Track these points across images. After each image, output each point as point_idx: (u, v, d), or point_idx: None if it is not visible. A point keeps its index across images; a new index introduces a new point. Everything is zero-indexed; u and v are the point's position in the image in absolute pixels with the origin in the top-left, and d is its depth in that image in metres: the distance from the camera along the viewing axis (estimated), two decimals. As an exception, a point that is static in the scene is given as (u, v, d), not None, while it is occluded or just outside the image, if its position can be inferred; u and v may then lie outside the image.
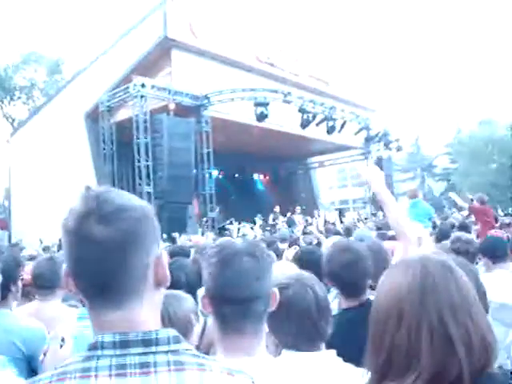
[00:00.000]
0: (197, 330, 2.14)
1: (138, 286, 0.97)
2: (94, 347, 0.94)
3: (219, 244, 1.48)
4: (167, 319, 1.92)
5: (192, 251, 5.73)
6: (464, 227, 6.89)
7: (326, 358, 1.73)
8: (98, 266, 0.94)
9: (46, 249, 9.84)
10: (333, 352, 1.76)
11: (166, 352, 0.95)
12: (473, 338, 1.03)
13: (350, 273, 2.37)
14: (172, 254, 4.74)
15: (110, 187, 1.03)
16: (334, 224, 10.78)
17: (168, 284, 1.05)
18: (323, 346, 1.77)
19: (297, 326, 1.73)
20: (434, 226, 8.22)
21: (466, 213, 10.32)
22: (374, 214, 17.79)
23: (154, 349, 0.94)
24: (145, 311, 0.98)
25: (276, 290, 1.47)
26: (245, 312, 1.38)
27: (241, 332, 1.38)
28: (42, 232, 14.00)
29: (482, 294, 1.74)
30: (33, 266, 3.18)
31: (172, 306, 2.00)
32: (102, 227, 0.93)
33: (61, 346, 1.31)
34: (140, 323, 0.97)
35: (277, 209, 17.82)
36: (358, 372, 1.47)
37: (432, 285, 1.08)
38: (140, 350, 0.93)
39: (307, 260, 3.47)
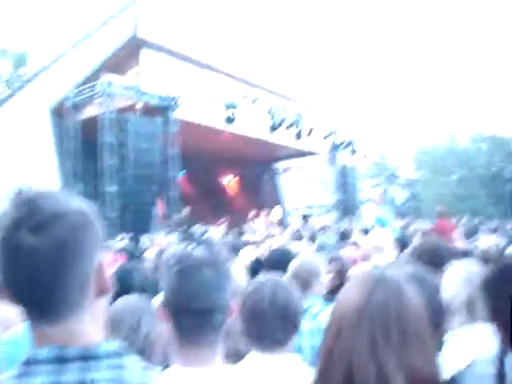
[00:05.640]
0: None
1: (77, 297, 0.91)
2: (27, 362, 0.88)
3: (179, 253, 1.44)
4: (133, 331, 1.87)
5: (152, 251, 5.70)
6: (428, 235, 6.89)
7: (288, 362, 1.75)
8: (32, 278, 0.87)
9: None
10: (297, 356, 1.79)
11: (107, 367, 0.88)
12: (407, 372, 0.98)
13: None
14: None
15: (46, 190, 0.95)
16: (298, 230, 10.82)
17: (111, 292, 0.99)
18: (286, 349, 1.79)
19: (254, 328, 1.78)
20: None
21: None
22: (341, 220, 17.91)
23: (92, 364, 0.88)
24: (86, 323, 0.92)
25: (233, 302, 1.46)
26: (203, 323, 1.37)
27: (198, 343, 1.37)
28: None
29: (437, 308, 1.68)
30: None
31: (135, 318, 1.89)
32: (34, 237, 0.85)
33: None
34: (81, 336, 0.91)
35: (251, 214, 17.71)
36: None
37: (371, 311, 1.04)
38: (78, 365, 0.87)
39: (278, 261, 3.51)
